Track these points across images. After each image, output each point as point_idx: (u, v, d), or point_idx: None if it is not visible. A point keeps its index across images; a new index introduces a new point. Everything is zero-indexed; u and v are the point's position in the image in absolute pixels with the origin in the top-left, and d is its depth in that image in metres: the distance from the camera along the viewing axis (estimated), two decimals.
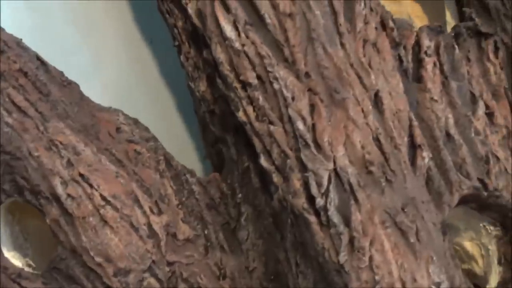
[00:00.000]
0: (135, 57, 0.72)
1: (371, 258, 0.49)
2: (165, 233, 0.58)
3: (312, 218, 0.50)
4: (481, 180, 0.55)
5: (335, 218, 0.50)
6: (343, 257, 0.49)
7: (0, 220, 0.59)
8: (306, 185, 0.51)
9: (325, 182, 0.51)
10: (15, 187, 0.57)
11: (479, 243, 0.59)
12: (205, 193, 0.61)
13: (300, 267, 0.53)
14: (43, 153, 0.56)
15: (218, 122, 0.61)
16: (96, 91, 0.65)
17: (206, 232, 0.59)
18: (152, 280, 0.57)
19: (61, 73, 0.62)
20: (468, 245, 0.60)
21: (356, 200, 0.50)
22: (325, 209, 0.50)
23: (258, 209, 0.58)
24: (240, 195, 0.60)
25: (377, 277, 0.49)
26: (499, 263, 0.58)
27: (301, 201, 0.51)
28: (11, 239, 0.61)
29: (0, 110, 0.56)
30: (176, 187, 0.60)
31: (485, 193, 0.55)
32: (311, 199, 0.51)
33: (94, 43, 0.71)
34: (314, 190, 0.51)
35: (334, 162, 0.51)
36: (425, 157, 0.54)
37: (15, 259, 0.59)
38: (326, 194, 0.50)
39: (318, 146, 0.51)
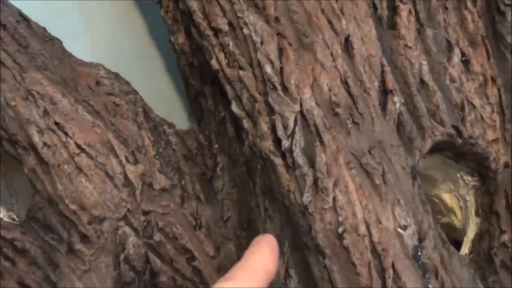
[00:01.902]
0: (125, 18, 0.71)
1: (335, 199, 0.48)
2: (141, 182, 0.57)
3: (278, 160, 0.49)
4: (455, 127, 0.54)
5: (300, 159, 0.48)
6: (306, 198, 0.48)
7: None
8: (273, 128, 0.50)
9: (291, 124, 0.49)
10: None
11: (457, 194, 0.57)
12: (182, 144, 0.60)
13: (268, 211, 0.52)
14: (20, 102, 0.56)
15: (197, 74, 0.60)
16: (86, 51, 0.64)
17: (182, 182, 0.59)
18: (127, 229, 0.56)
19: (44, 29, 0.61)
20: (447, 197, 0.58)
21: (321, 141, 0.49)
22: (291, 151, 0.49)
23: (233, 158, 0.57)
24: (216, 146, 0.59)
25: (340, 218, 0.48)
26: (477, 214, 0.56)
27: (268, 144, 0.50)
28: None
29: None
30: (153, 138, 0.59)
31: (460, 140, 0.54)
32: (277, 141, 0.50)
33: (85, 4, 0.70)
34: (280, 132, 0.49)
35: (301, 104, 0.50)
36: (396, 102, 0.52)
37: None
38: (292, 136, 0.49)
39: (285, 89, 0.50)
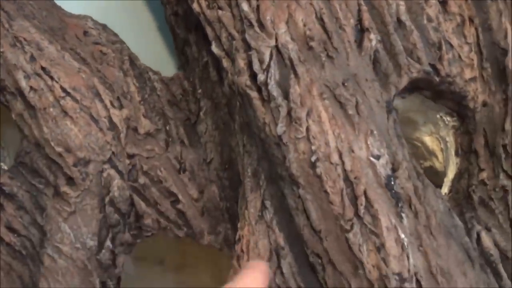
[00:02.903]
0: None
1: (308, 129, 0.48)
2: (126, 126, 0.58)
3: (254, 94, 0.50)
4: (432, 65, 0.54)
5: (275, 91, 0.49)
6: (280, 128, 0.48)
7: None
8: (250, 63, 0.51)
9: (266, 58, 0.50)
10: None
11: (438, 136, 0.57)
12: (167, 91, 0.61)
13: (246, 147, 0.53)
14: (7, 49, 0.57)
15: (182, 23, 0.61)
16: (76, 4, 0.65)
17: (167, 127, 0.59)
18: (112, 172, 0.57)
19: None
20: (428, 140, 0.58)
21: (296, 74, 0.49)
22: (266, 84, 0.49)
23: (216, 101, 0.58)
24: (200, 90, 0.60)
25: (313, 147, 0.48)
26: (456, 154, 0.56)
27: (244, 79, 0.50)
28: None
29: None
30: (139, 85, 0.60)
31: (437, 78, 0.54)
32: (254, 76, 0.51)
33: None
34: (256, 66, 0.50)
35: (276, 39, 0.50)
36: (372, 39, 0.53)
37: None
38: (267, 70, 0.50)
39: (262, 25, 0.51)
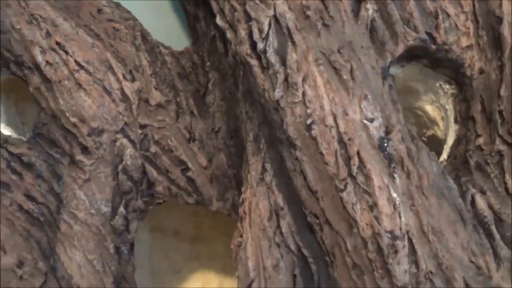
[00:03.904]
0: None
1: (304, 93, 0.51)
2: (137, 97, 0.60)
3: (254, 62, 0.52)
4: (429, 34, 0.56)
5: (273, 58, 0.51)
6: (278, 93, 0.51)
7: None
8: (250, 33, 0.53)
9: (265, 28, 0.52)
10: (1, 61, 0.60)
11: (438, 105, 0.59)
12: (177, 64, 0.63)
13: (248, 113, 0.55)
14: (24, 26, 0.60)
15: None
16: None
17: (177, 99, 0.62)
18: (125, 141, 0.60)
19: None
20: (429, 109, 0.60)
21: (292, 42, 0.52)
22: (265, 52, 0.52)
23: (223, 73, 0.60)
24: (208, 63, 0.62)
25: (309, 111, 0.50)
26: (455, 121, 0.58)
27: (245, 48, 0.53)
28: (5, 116, 0.65)
29: None
30: (150, 59, 0.63)
31: (434, 47, 0.56)
32: (253, 45, 0.53)
33: None
34: (256, 36, 0.52)
35: (274, 9, 0.53)
36: (369, 8, 0.55)
37: (7, 131, 0.62)
38: (266, 39, 0.52)
39: None
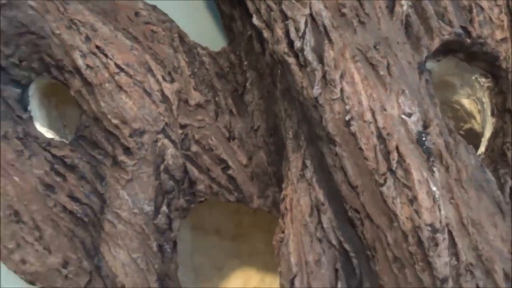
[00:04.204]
0: None
1: (342, 90, 0.52)
2: (177, 98, 0.62)
3: (292, 60, 0.54)
4: (463, 28, 0.57)
5: (310, 56, 0.53)
6: (316, 90, 0.52)
7: (31, 99, 0.65)
8: (287, 32, 0.54)
9: (302, 26, 0.54)
10: (42, 65, 0.63)
11: (475, 98, 0.60)
12: (215, 64, 0.65)
13: (287, 111, 0.57)
14: (64, 31, 0.62)
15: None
16: None
17: (216, 98, 0.64)
18: (166, 141, 0.62)
19: None
20: (466, 102, 0.61)
21: (329, 39, 0.53)
22: (302, 50, 0.53)
23: (260, 72, 0.62)
24: (246, 63, 0.64)
25: (347, 107, 0.52)
26: (492, 114, 0.59)
27: (282, 47, 0.54)
28: (47, 120, 0.67)
29: None
30: (188, 60, 0.64)
31: (469, 40, 0.57)
32: (291, 43, 0.54)
33: None
34: (293, 34, 0.54)
35: (310, 8, 0.54)
36: (404, 4, 0.56)
37: (49, 135, 0.65)
38: (303, 37, 0.54)
39: None
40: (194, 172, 0.63)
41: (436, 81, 0.60)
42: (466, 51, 0.58)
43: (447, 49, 0.58)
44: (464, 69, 0.60)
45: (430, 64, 0.59)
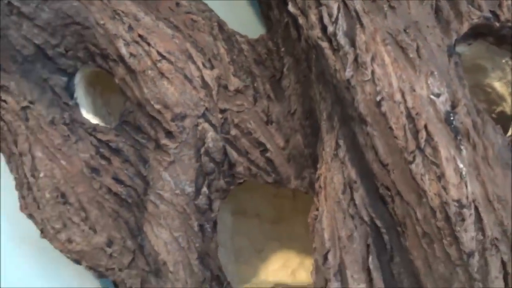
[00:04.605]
0: None
1: (373, 72, 0.57)
2: (217, 84, 0.67)
3: (325, 44, 0.58)
4: (492, 12, 0.61)
5: (343, 40, 0.57)
6: (348, 73, 0.57)
7: (77, 87, 0.70)
8: (320, 18, 0.59)
9: (335, 12, 0.58)
10: (88, 54, 0.68)
11: (506, 81, 0.64)
12: (253, 51, 0.70)
13: (322, 94, 0.61)
14: (107, 21, 0.67)
15: None
16: None
17: (254, 84, 0.68)
18: (206, 125, 0.67)
19: None
20: (498, 85, 0.65)
21: (361, 24, 0.58)
22: (335, 35, 0.58)
23: (296, 57, 0.67)
24: (283, 49, 0.68)
25: (378, 88, 0.56)
26: None
27: (316, 32, 0.59)
28: (92, 107, 0.73)
29: None
30: (227, 47, 0.69)
31: (497, 24, 0.61)
32: (324, 28, 0.59)
33: None
34: (326, 20, 0.58)
35: None
36: None
37: (95, 121, 0.70)
38: (335, 22, 0.58)
39: None
40: (233, 154, 0.68)
41: (468, 64, 0.64)
42: (495, 35, 0.62)
43: (476, 33, 0.62)
44: (495, 52, 0.63)
45: (461, 48, 0.63)
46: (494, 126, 0.58)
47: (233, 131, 0.67)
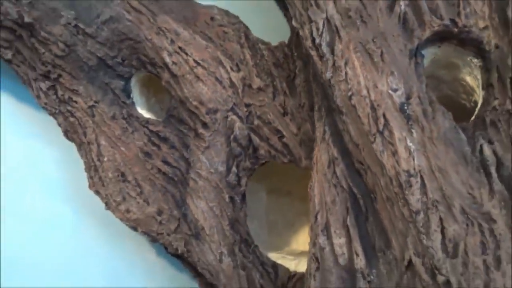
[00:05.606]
0: None
1: (346, 74, 0.81)
2: (242, 84, 0.93)
3: (314, 52, 0.83)
4: (452, 20, 0.84)
5: (325, 50, 0.82)
6: (329, 74, 0.82)
7: (133, 89, 0.97)
8: (311, 31, 0.85)
9: (320, 27, 0.83)
10: (140, 63, 0.93)
11: (473, 76, 0.87)
12: (273, 56, 0.94)
13: (315, 90, 0.86)
14: (154, 36, 0.92)
15: (282, 3, 0.97)
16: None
17: (274, 83, 0.93)
18: (234, 117, 0.92)
19: None
20: (469, 79, 0.87)
21: (339, 36, 0.83)
22: (320, 45, 0.83)
23: (304, 60, 0.91)
24: (295, 54, 0.93)
25: (349, 86, 0.81)
26: (482, 88, 0.83)
27: (308, 42, 0.84)
28: (146, 105, 0.96)
29: (123, 11, 0.94)
30: (252, 53, 0.94)
31: (456, 29, 0.85)
32: (313, 40, 0.84)
33: None
34: (315, 33, 0.83)
35: (326, 13, 0.84)
36: (402, 4, 0.84)
37: (148, 115, 0.97)
38: (321, 35, 0.84)
39: (317, 4, 0.85)
40: (256, 140, 0.92)
41: (444, 62, 0.87)
42: (457, 38, 0.84)
43: (441, 37, 0.85)
44: (461, 52, 0.85)
45: (432, 50, 0.85)
46: (444, 113, 0.81)
47: (256, 122, 0.91)
